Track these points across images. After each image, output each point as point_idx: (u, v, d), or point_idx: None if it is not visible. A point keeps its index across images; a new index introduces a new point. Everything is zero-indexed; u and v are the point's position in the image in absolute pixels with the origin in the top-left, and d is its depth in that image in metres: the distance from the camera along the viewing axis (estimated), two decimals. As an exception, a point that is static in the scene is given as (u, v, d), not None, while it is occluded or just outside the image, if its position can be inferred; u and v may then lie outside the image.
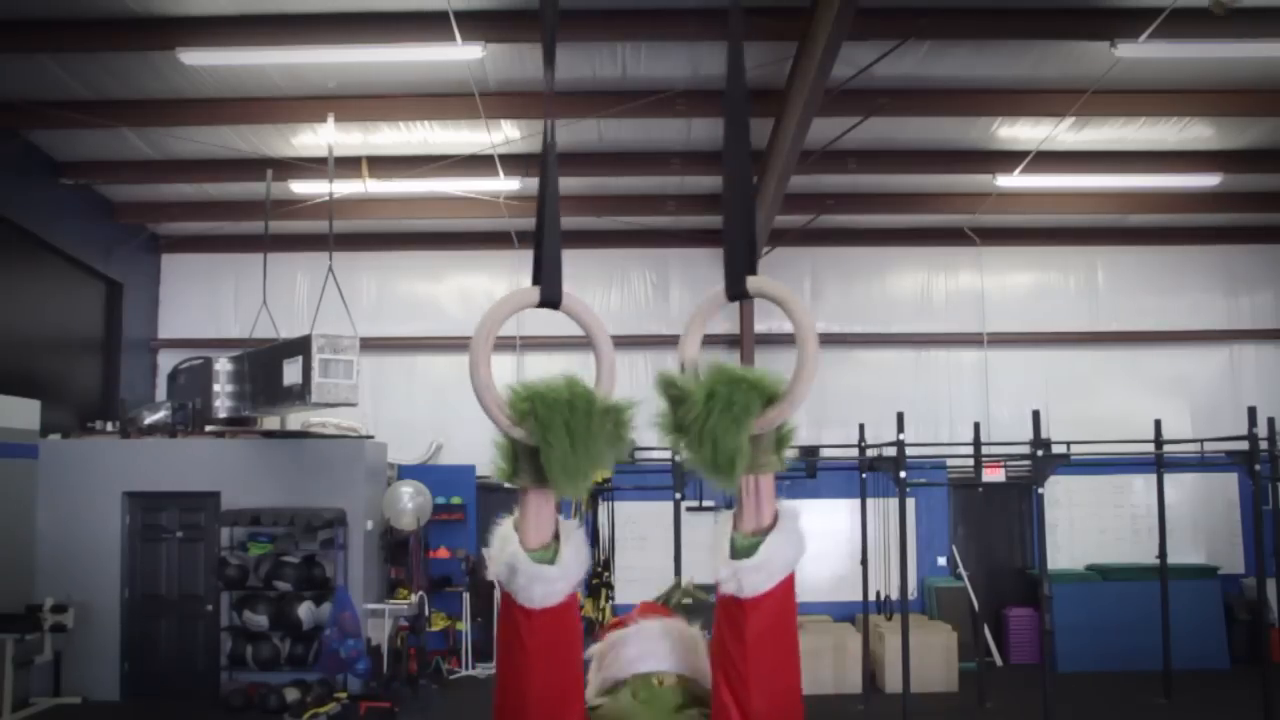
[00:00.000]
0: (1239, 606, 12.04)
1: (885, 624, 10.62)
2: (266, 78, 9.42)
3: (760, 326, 12.96)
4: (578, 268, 13.38)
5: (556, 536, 1.61)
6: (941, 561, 12.88)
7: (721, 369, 1.57)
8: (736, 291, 1.64)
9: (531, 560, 1.57)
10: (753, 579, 1.59)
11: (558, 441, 1.52)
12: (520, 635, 1.59)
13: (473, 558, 12.24)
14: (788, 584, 1.63)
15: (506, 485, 1.61)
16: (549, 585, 1.58)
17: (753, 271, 1.63)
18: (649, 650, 2.00)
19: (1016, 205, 12.39)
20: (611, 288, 13.71)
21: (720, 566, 1.62)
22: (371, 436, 11.65)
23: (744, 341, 12.92)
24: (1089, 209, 12.72)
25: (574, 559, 1.61)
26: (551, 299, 1.61)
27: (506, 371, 13.10)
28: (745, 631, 1.61)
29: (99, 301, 12.78)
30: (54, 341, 11.98)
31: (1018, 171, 10.91)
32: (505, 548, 1.57)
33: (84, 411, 12.15)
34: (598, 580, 10.28)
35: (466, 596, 12.11)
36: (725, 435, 1.51)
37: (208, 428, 10.86)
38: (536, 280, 1.62)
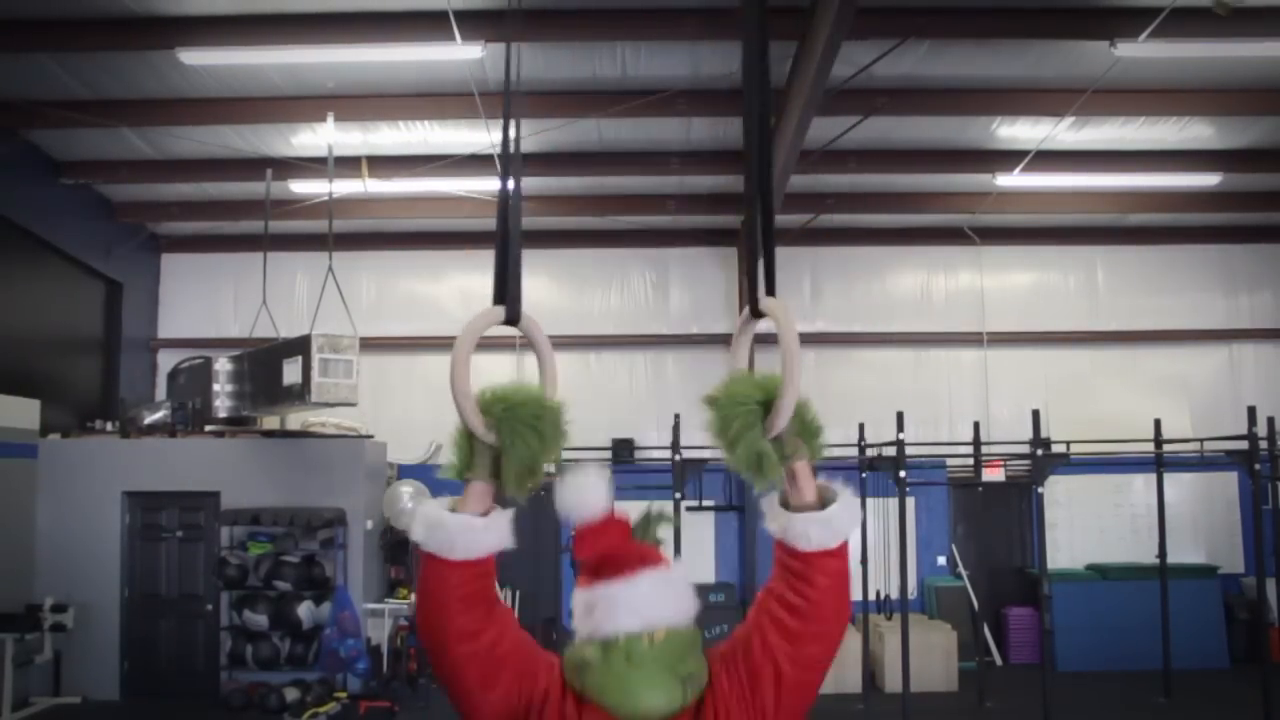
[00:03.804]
0: (1239, 606, 12.05)
1: (885, 623, 10.63)
2: (266, 77, 9.42)
3: (761, 326, 12.91)
4: (577, 267, 13.42)
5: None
6: (941, 561, 12.90)
7: (730, 390, 1.88)
8: (755, 311, 1.97)
9: (462, 515, 1.80)
10: (819, 533, 1.86)
11: (521, 444, 1.80)
12: (445, 586, 1.80)
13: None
14: (846, 550, 1.90)
15: (458, 479, 1.84)
16: (473, 535, 1.79)
17: (770, 293, 1.96)
18: (637, 604, 1.88)
19: (1016, 204, 12.39)
20: (611, 288, 13.69)
21: (792, 520, 1.87)
22: (371, 436, 11.65)
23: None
24: (1088, 208, 12.72)
25: (503, 519, 1.84)
26: (513, 317, 1.96)
27: (508, 369, 13.10)
28: (813, 582, 1.85)
29: (99, 301, 12.78)
30: (54, 341, 11.98)
31: (1017, 171, 10.91)
32: (432, 513, 1.82)
33: (84, 411, 12.15)
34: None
35: (466, 596, 12.10)
36: (744, 447, 1.84)
37: (207, 427, 10.86)
38: (499, 300, 1.95)
